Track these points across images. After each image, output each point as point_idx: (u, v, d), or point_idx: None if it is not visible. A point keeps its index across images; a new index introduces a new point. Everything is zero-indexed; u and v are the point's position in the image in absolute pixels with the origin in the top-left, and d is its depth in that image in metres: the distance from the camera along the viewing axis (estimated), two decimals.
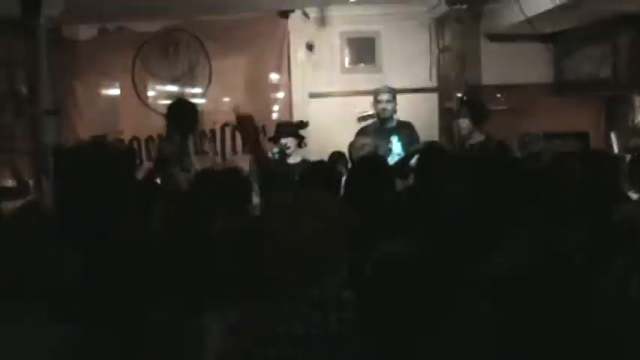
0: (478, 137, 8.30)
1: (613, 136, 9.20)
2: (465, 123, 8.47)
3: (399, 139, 8.17)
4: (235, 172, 5.45)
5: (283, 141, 7.93)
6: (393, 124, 8.66)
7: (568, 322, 2.69)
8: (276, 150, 7.93)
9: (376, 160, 5.88)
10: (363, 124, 9.29)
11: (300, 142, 8.09)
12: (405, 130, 8.51)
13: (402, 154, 7.91)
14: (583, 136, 9.08)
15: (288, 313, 2.52)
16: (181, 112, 7.51)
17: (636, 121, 8.95)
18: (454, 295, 2.86)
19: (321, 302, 2.55)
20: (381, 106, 8.57)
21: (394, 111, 8.67)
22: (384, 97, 8.59)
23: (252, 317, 2.52)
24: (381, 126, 8.61)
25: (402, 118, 8.79)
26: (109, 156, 4.70)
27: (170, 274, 3.41)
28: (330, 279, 2.59)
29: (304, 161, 7.73)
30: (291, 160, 7.92)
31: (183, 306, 3.05)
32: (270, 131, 8.91)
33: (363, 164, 5.71)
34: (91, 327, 2.78)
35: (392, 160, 7.73)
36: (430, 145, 7.28)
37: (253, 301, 2.56)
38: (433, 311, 2.79)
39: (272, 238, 2.57)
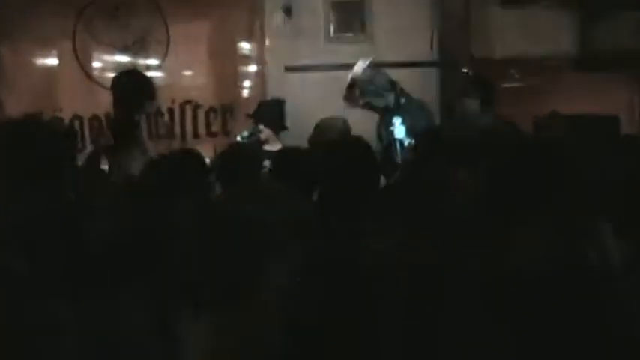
0: (486, 120, 7.68)
1: None
2: (471, 104, 7.82)
3: (403, 122, 7.29)
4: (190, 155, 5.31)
5: (259, 125, 7.78)
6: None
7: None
8: (245, 134, 7.71)
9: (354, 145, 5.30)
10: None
11: (281, 129, 7.90)
12: (412, 109, 7.71)
13: (405, 140, 7.24)
14: (613, 120, 8.56)
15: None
16: (131, 85, 6.96)
17: None
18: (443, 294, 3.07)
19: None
20: (371, 99, 7.85)
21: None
22: (371, 86, 7.84)
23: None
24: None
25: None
26: (44, 137, 4.32)
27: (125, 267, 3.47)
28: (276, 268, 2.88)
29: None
30: (269, 148, 7.57)
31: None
32: (238, 111, 8.91)
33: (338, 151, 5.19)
34: None
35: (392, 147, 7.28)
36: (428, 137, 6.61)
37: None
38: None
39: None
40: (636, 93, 9.37)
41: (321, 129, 7.39)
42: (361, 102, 7.74)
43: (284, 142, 7.77)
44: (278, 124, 7.90)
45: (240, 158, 6.00)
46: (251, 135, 7.66)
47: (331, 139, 6.66)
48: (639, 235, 3.77)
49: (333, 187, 4.72)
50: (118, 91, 6.96)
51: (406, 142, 7.15)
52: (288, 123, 8.21)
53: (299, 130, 8.01)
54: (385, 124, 7.58)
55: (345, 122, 7.48)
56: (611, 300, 2.72)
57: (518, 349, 2.70)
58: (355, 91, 7.79)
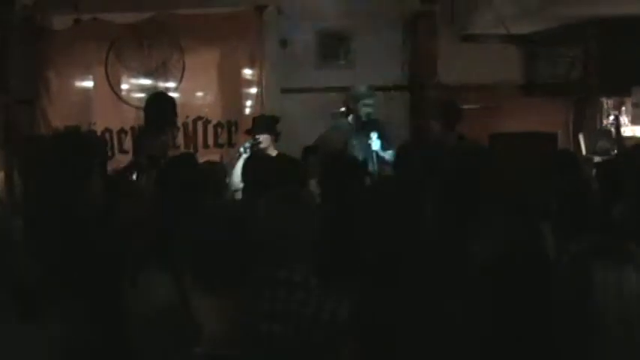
0: (450, 137, 8.29)
1: (581, 138, 9.30)
2: (436, 123, 8.57)
3: (379, 137, 8.02)
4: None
5: (258, 137, 7.94)
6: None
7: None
8: (247, 145, 7.96)
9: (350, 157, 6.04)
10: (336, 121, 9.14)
11: (277, 137, 8.11)
12: (381, 127, 8.33)
13: (381, 151, 7.92)
14: (551, 137, 9.18)
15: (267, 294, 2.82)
16: (163, 105, 7.53)
17: (604, 123, 9.06)
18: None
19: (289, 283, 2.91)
20: (366, 109, 8.34)
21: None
22: (369, 100, 8.41)
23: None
24: (357, 123, 8.45)
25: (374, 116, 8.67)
26: (82, 144, 4.67)
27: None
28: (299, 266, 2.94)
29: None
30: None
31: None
32: (242, 126, 9.12)
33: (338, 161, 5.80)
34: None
35: (371, 157, 7.86)
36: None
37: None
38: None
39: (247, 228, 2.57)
40: (570, 114, 9.83)
41: (323, 139, 7.91)
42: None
43: (278, 150, 7.86)
44: (273, 134, 8.04)
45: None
46: (253, 145, 7.85)
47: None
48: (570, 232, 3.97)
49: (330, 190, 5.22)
50: (151, 110, 7.49)
51: (381, 153, 7.89)
52: (284, 136, 8.46)
53: (293, 142, 8.49)
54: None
55: (343, 137, 7.99)
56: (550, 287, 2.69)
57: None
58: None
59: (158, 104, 7.54)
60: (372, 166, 7.75)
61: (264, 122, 8.29)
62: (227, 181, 6.73)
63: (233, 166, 7.79)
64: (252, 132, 8.16)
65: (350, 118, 8.52)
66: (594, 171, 6.72)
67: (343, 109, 9.01)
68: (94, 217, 4.07)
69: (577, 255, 2.56)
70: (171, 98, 7.98)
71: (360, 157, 7.59)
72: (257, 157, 6.48)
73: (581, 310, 2.40)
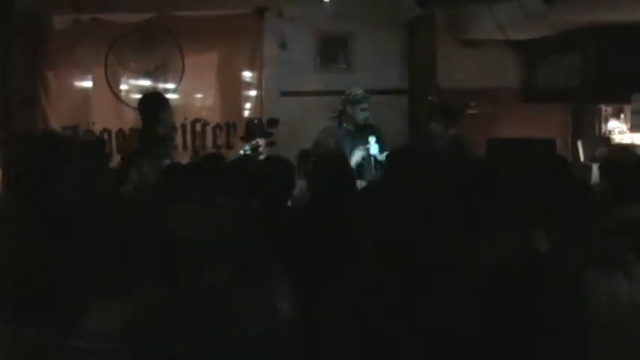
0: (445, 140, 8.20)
1: (580, 145, 9.29)
2: (437, 127, 8.38)
3: (377, 141, 7.95)
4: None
5: (255, 141, 7.99)
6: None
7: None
8: (247, 148, 7.96)
9: (338, 160, 6.02)
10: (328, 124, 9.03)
11: (271, 141, 8.17)
12: (379, 132, 8.25)
13: (378, 155, 7.83)
14: (550, 143, 9.07)
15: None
16: (152, 103, 7.37)
17: (603, 130, 9.08)
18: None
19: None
20: (363, 114, 8.25)
21: None
22: (365, 104, 8.29)
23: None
24: (355, 127, 8.35)
25: (371, 120, 8.56)
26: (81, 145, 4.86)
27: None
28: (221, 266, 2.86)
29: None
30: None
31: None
32: (240, 129, 9.11)
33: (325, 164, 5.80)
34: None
35: (369, 160, 7.84)
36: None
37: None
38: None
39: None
40: (569, 121, 9.93)
41: (317, 143, 7.83)
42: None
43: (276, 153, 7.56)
44: (265, 137, 8.14)
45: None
46: (252, 149, 7.87)
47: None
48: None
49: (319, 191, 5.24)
50: (142, 108, 7.31)
51: (379, 157, 7.74)
52: (281, 138, 8.64)
53: (290, 144, 8.53)
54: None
55: (335, 140, 7.86)
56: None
57: None
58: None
59: (148, 101, 7.42)
60: (371, 170, 7.71)
61: (256, 126, 8.35)
62: None
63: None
64: (245, 137, 8.25)
65: (345, 121, 8.45)
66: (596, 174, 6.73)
67: (335, 113, 8.93)
68: None
69: (567, 261, 2.53)
70: (162, 95, 7.88)
71: (356, 161, 7.74)
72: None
73: (571, 316, 2.38)
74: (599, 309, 2.33)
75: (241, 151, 8.06)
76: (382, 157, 7.75)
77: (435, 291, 2.98)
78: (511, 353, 2.81)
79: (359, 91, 8.32)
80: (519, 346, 2.75)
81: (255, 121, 8.62)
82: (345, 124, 8.40)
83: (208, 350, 2.60)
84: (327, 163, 5.80)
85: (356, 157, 7.78)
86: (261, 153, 7.93)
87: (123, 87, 9.94)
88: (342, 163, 5.92)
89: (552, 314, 2.45)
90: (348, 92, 8.39)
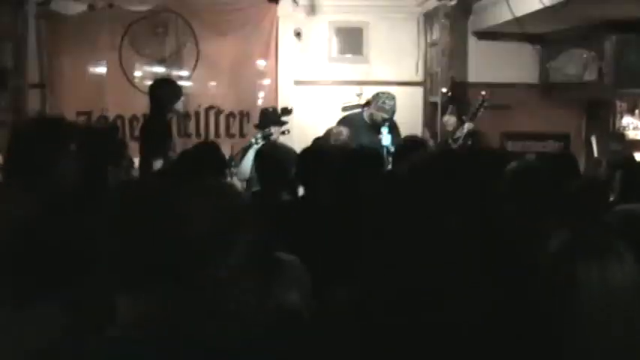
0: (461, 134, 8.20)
1: (593, 140, 9.33)
2: (450, 119, 8.50)
3: (389, 132, 8.01)
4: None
5: (267, 129, 7.97)
6: None
7: None
8: (259, 136, 7.94)
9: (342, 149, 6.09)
10: (347, 113, 9.22)
11: (284, 130, 8.17)
12: (392, 123, 8.33)
13: (391, 146, 7.80)
14: (564, 138, 9.37)
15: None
16: (163, 89, 7.50)
17: (617, 126, 9.04)
18: None
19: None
20: (386, 115, 8.18)
21: None
22: (388, 115, 8.22)
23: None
24: (370, 118, 8.41)
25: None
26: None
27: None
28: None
29: None
30: None
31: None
32: (255, 117, 9.08)
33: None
34: None
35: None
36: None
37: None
38: None
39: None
40: (583, 115, 9.86)
41: (330, 134, 7.69)
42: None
43: (290, 142, 7.91)
44: (279, 125, 8.14)
45: None
46: (264, 136, 7.80)
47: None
48: None
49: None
50: (152, 94, 7.44)
51: (391, 149, 7.71)
52: (295, 128, 8.87)
53: (304, 134, 8.64)
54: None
55: (349, 131, 7.71)
56: None
57: None
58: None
59: (160, 89, 7.49)
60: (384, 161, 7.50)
61: (270, 115, 8.36)
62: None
63: (241, 156, 7.82)
64: (259, 125, 8.25)
65: (365, 113, 8.53)
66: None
67: (355, 102, 9.28)
68: None
69: (559, 249, 2.50)
70: (174, 81, 7.99)
71: None
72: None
73: (563, 304, 2.39)
74: (591, 298, 2.33)
75: (252, 139, 8.00)
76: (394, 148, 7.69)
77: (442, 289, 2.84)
78: (510, 345, 2.69)
79: (391, 102, 8.27)
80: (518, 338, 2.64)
81: (270, 110, 8.61)
82: (363, 117, 8.47)
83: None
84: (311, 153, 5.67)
85: None
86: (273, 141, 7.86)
87: (137, 73, 9.95)
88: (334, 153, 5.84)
89: (546, 303, 2.44)
90: (380, 99, 8.33)
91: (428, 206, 3.12)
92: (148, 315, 2.28)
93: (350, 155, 5.66)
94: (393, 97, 8.30)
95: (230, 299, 2.57)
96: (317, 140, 7.89)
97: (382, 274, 2.93)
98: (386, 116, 8.13)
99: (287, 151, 5.96)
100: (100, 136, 6.12)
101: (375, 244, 2.99)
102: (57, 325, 2.82)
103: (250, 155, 7.35)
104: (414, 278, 2.83)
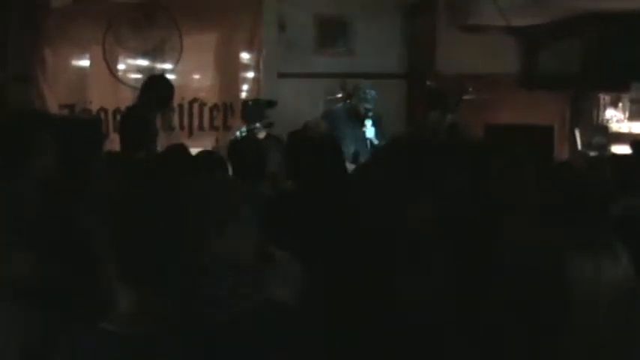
0: (446, 126, 8.34)
1: (577, 133, 9.25)
2: (434, 112, 8.55)
3: (373, 124, 7.99)
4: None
5: (253, 124, 8.01)
6: None
7: None
8: (244, 129, 7.99)
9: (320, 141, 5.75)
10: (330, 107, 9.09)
11: (268, 123, 8.15)
12: (376, 116, 8.22)
13: (375, 139, 7.85)
14: (547, 130, 9.17)
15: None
16: (161, 88, 7.36)
17: (601, 118, 9.06)
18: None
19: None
20: (369, 105, 8.08)
21: None
22: (372, 106, 8.11)
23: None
24: (353, 111, 8.28)
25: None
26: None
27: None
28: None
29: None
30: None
31: None
32: (238, 110, 9.19)
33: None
34: None
35: (364, 144, 7.85)
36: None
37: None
38: None
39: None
40: (567, 107, 9.77)
41: (307, 127, 7.63)
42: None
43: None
44: (260, 120, 8.14)
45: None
46: (249, 130, 7.90)
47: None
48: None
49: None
50: (148, 91, 7.20)
51: (375, 141, 7.84)
52: (279, 121, 8.54)
53: (288, 127, 8.03)
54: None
55: (328, 124, 7.74)
56: None
57: None
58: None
59: (156, 87, 7.35)
60: (366, 154, 7.62)
61: (253, 108, 8.39)
62: None
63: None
64: (242, 117, 8.34)
65: (346, 105, 8.46)
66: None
67: (340, 94, 9.13)
68: None
69: (552, 247, 2.45)
70: (169, 80, 7.85)
71: (353, 144, 7.74)
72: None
73: (558, 301, 2.33)
74: (585, 293, 2.30)
75: (237, 133, 8.01)
76: (379, 141, 7.83)
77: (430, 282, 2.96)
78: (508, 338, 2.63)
79: (372, 92, 8.15)
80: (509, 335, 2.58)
81: (250, 102, 8.65)
82: (346, 110, 8.37)
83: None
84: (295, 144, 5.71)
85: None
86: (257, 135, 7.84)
87: (120, 66, 9.95)
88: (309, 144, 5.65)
89: (537, 300, 2.39)
90: (361, 89, 8.22)
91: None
92: (144, 308, 2.25)
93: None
94: (373, 87, 8.22)
95: (221, 291, 2.65)
96: (292, 134, 7.74)
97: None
98: (369, 106, 8.05)
99: (257, 144, 6.00)
100: (83, 128, 6.11)
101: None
102: (53, 319, 2.72)
103: None
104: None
